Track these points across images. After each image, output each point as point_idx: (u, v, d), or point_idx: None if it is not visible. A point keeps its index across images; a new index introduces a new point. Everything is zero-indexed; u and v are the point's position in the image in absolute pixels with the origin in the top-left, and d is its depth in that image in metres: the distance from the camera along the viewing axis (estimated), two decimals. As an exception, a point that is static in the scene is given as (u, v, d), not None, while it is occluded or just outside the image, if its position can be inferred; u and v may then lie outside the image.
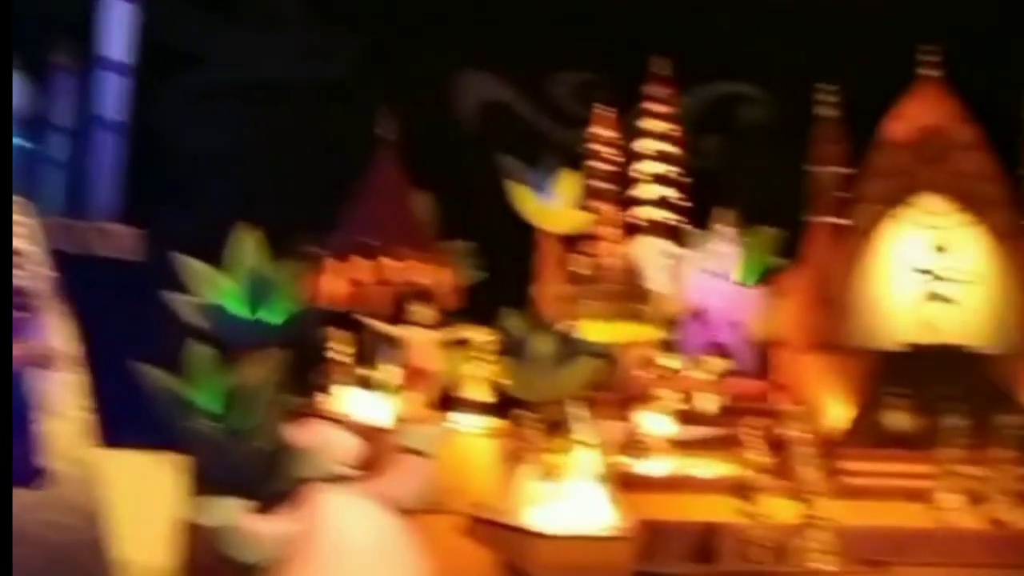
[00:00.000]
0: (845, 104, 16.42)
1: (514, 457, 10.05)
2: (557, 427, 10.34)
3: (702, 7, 19.58)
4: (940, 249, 16.28)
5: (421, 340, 9.94)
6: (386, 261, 10.86)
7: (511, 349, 12.99)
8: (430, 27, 19.83)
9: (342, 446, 7.06)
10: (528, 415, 10.36)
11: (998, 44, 17.94)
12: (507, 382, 12.53)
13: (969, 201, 16.20)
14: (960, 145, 16.27)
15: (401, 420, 9.47)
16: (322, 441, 7.03)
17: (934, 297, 16.19)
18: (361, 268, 10.82)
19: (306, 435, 7.02)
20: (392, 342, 10.26)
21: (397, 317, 10.09)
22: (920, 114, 16.41)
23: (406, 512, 7.36)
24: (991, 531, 13.27)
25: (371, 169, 11.77)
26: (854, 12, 18.25)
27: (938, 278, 16.24)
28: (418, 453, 7.42)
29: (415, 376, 9.93)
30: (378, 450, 7.88)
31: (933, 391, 14.48)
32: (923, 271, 16.28)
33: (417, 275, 10.88)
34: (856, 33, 18.38)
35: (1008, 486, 13.35)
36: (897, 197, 16.23)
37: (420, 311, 10.00)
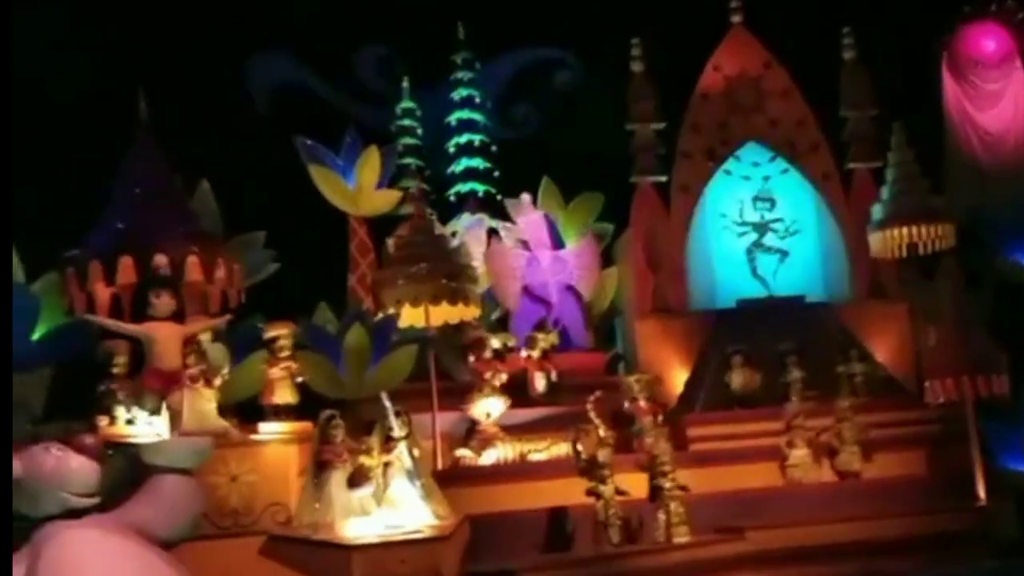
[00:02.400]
0: (658, 58, 15.73)
1: (321, 464, 8.84)
2: (368, 426, 9.20)
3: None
4: (765, 200, 15.78)
5: (165, 336, 8.60)
6: (156, 259, 9.40)
7: (320, 344, 11.75)
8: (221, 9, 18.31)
9: (78, 475, 5.75)
10: (334, 415, 9.14)
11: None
12: (316, 381, 11.27)
13: (788, 149, 15.73)
14: (774, 92, 15.78)
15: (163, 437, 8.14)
16: (52, 472, 5.71)
17: (764, 250, 15.69)
18: (127, 269, 9.34)
19: (31, 466, 5.69)
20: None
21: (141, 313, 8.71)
22: (732, 63, 15.85)
23: (172, 541, 6.14)
24: (841, 484, 12.82)
25: (129, 160, 10.32)
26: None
27: (766, 230, 15.75)
28: (174, 472, 6.20)
29: (158, 378, 8.57)
30: (128, 474, 6.61)
31: (773, 346, 13.91)
32: (750, 224, 15.76)
33: (192, 272, 9.46)
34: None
35: (854, 436, 12.92)
36: (717, 150, 15.64)
37: (160, 303, 8.64)
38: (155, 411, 8.21)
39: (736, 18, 15.95)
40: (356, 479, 8.73)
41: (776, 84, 15.82)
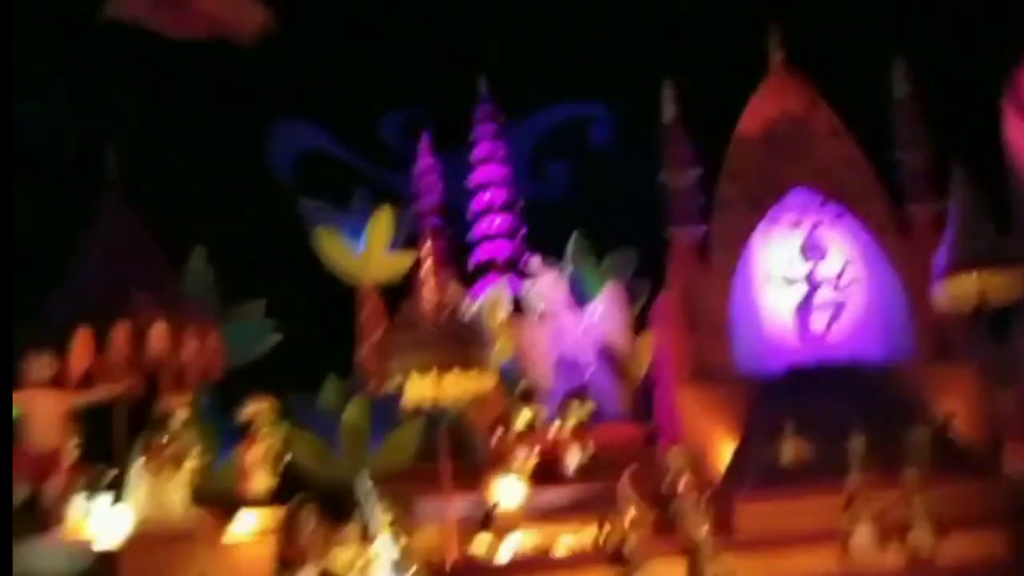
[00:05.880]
0: (691, 103, 14.61)
1: (285, 563, 7.60)
2: (347, 514, 7.99)
3: (526, 26, 17.90)
4: (814, 252, 14.44)
5: (41, 407, 7.45)
6: (121, 328, 8.34)
7: (313, 421, 10.60)
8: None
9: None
10: (303, 503, 7.93)
11: (849, 18, 16.38)
12: (306, 462, 10.08)
13: (840, 194, 14.40)
14: (821, 134, 14.51)
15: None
16: None
17: (815, 306, 14.31)
18: (83, 340, 8.27)
19: None
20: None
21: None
22: (773, 103, 14.63)
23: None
24: (915, 568, 11.25)
25: (95, 221, 9.32)
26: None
27: (817, 285, 14.38)
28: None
29: (28, 462, 7.39)
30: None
31: (828, 414, 12.47)
32: (800, 278, 14.40)
33: (158, 340, 8.38)
34: (695, 24, 16.69)
35: (926, 510, 11.34)
36: (760, 198, 14.36)
37: (34, 365, 7.51)
38: (27, 504, 7.03)
39: (777, 56, 14.79)
40: (327, 577, 7.51)
41: (823, 124, 14.57)
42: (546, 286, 13.97)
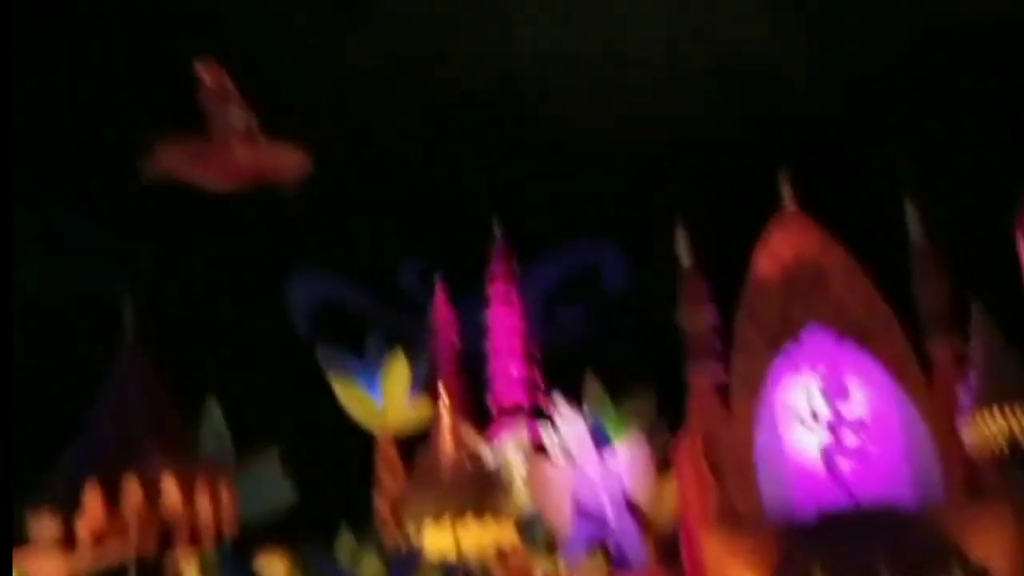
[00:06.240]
0: (704, 243, 14.68)
1: None
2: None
3: (540, 172, 18.19)
4: (836, 390, 14.21)
5: (47, 573, 7.23)
6: (130, 482, 8.20)
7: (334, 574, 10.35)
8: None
9: None
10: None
11: (859, 160, 16.54)
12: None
13: (856, 332, 14.23)
14: (835, 273, 14.46)
15: None
16: None
17: (840, 448, 13.99)
18: (92, 494, 8.12)
19: None
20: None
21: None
22: (787, 245, 14.63)
23: None
24: None
25: (109, 375, 9.27)
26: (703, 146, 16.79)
27: (840, 426, 14.09)
28: None
29: None
30: None
31: (859, 558, 12.11)
32: (822, 420, 14.12)
33: (170, 494, 8.22)
34: (707, 165, 16.92)
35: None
36: (777, 337, 14.21)
37: (38, 527, 7.33)
38: None
39: (788, 198, 14.86)
40: None
41: (837, 264, 14.53)
42: (567, 427, 13.81)
